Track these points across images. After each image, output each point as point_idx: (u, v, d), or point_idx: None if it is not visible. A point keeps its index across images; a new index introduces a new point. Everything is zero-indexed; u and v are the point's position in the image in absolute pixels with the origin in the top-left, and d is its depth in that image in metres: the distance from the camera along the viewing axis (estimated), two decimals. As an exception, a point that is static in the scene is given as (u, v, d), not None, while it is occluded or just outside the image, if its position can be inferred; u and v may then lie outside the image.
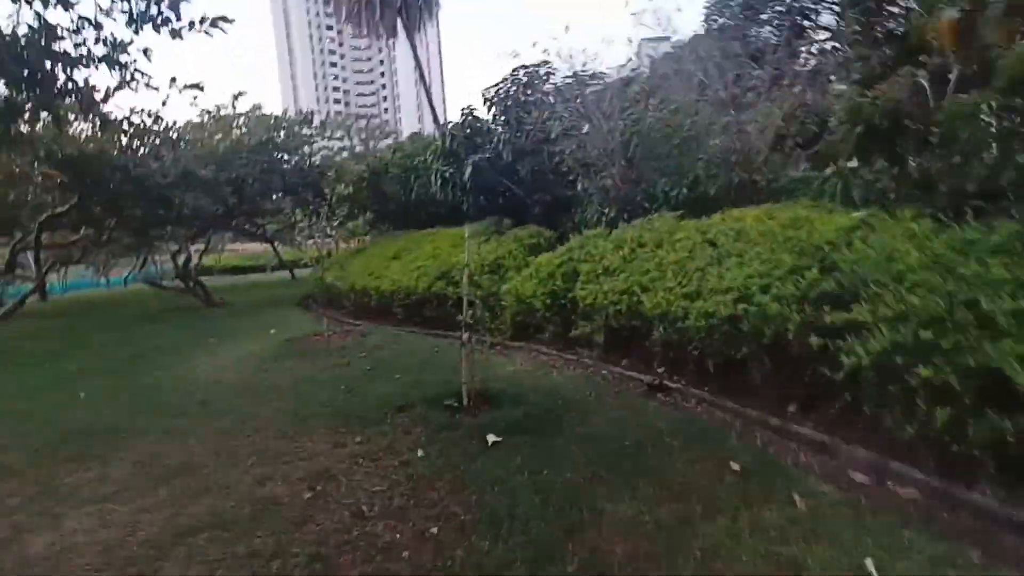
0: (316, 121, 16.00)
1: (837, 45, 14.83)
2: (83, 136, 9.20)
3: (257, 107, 13.88)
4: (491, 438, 4.28)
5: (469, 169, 10.20)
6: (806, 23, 17.58)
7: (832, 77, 11.66)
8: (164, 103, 9.94)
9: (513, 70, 10.64)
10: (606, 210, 8.70)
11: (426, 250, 11.21)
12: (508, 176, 10.61)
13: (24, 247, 13.39)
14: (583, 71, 10.55)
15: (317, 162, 15.67)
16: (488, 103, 10.88)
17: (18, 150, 8.06)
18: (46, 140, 8.45)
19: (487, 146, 10.65)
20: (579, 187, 9.57)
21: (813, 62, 14.11)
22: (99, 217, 12.62)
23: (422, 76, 25.01)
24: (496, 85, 10.83)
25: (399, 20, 24.96)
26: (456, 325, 6.41)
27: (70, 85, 4.64)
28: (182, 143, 11.98)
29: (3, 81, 4.37)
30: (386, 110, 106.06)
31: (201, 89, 6.21)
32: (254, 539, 3.12)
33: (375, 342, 8.53)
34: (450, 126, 11.97)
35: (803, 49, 15.38)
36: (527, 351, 7.45)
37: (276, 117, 14.76)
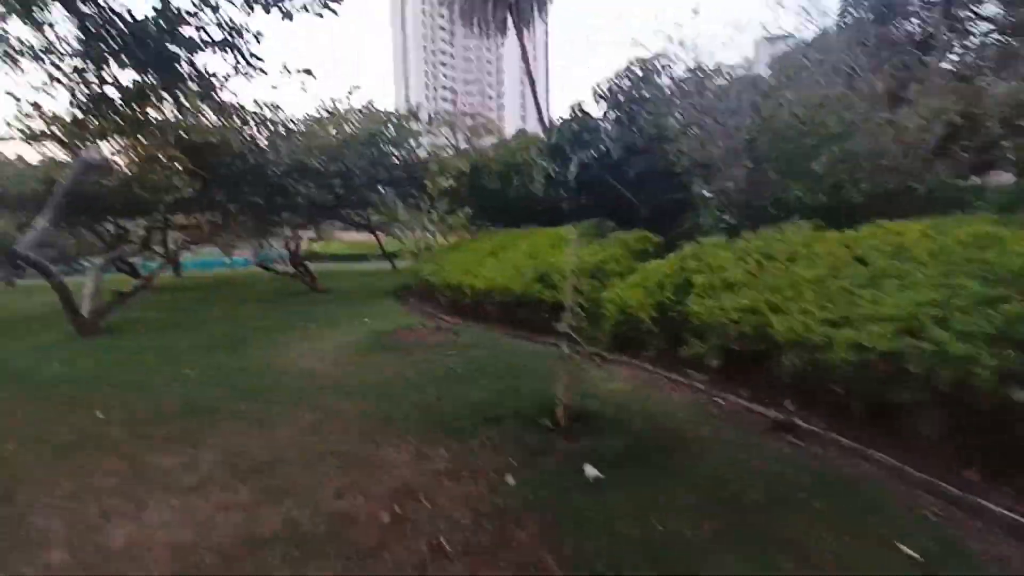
0: (423, 116, 16.18)
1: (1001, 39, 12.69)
2: (208, 124, 9.74)
3: (370, 103, 14.24)
4: (591, 472, 3.75)
5: (575, 167, 9.67)
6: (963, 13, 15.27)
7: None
8: (274, 87, 10.12)
9: (628, 64, 9.96)
10: (725, 216, 7.82)
11: (523, 249, 10.84)
12: (616, 175, 9.98)
13: (156, 227, 14.58)
14: (703, 66, 9.67)
15: (422, 156, 15.87)
16: (599, 98, 10.28)
17: (146, 134, 8.69)
18: (174, 125, 9.04)
19: (595, 144, 10.06)
20: (694, 190, 8.74)
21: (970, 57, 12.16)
22: (222, 202, 13.47)
23: (529, 74, 24.75)
24: (609, 80, 10.21)
25: (509, 17, 24.91)
26: (550, 330, 5.94)
27: (191, 69, 4.69)
28: (298, 135, 12.47)
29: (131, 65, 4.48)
30: (491, 109, 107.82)
31: (311, 75, 6.19)
32: (325, 562, 2.81)
33: (467, 341, 8.26)
34: (558, 122, 11.49)
35: (959, 42, 13.34)
36: (627, 366, 6.82)
37: (386, 112, 15.08)
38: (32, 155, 14.80)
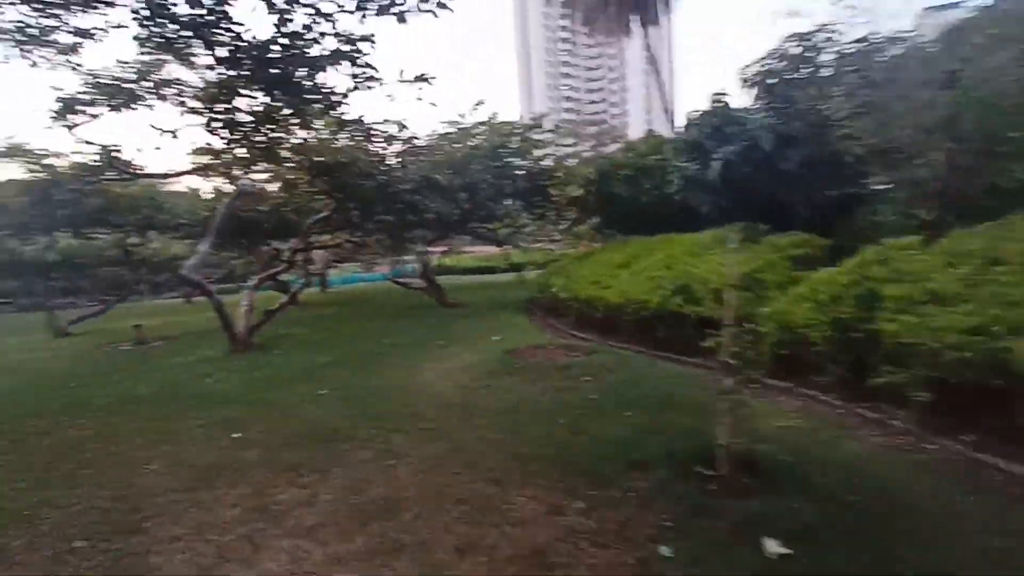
0: (548, 125, 15.74)
1: None
2: (338, 144, 10.16)
3: (494, 115, 14.14)
4: (772, 546, 2.90)
5: (718, 164, 8.56)
6: None
7: None
8: (390, 96, 10.14)
9: (781, 42, 8.64)
10: (917, 211, 6.36)
11: (658, 259, 9.91)
12: (767, 171, 8.70)
13: (300, 247, 15.67)
14: (873, 37, 8.11)
15: (548, 165, 15.49)
16: (747, 84, 9.04)
17: (279, 159, 9.26)
18: (306, 148, 9.53)
19: (740, 137, 8.86)
20: (871, 181, 7.29)
21: None
22: (355, 221, 14.12)
23: (657, 73, 23.52)
24: (758, 63, 8.93)
25: (633, 17, 23.90)
26: (695, 350, 5.07)
27: (313, 87, 4.61)
28: (424, 151, 12.67)
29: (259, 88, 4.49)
30: (615, 116, 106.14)
31: (427, 81, 5.96)
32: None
33: (602, 362, 7.56)
34: (696, 115, 10.36)
35: None
36: (794, 396, 5.72)
37: (511, 124, 14.90)
38: (203, 185, 16.67)
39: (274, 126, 6.24)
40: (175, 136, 8.35)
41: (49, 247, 17.08)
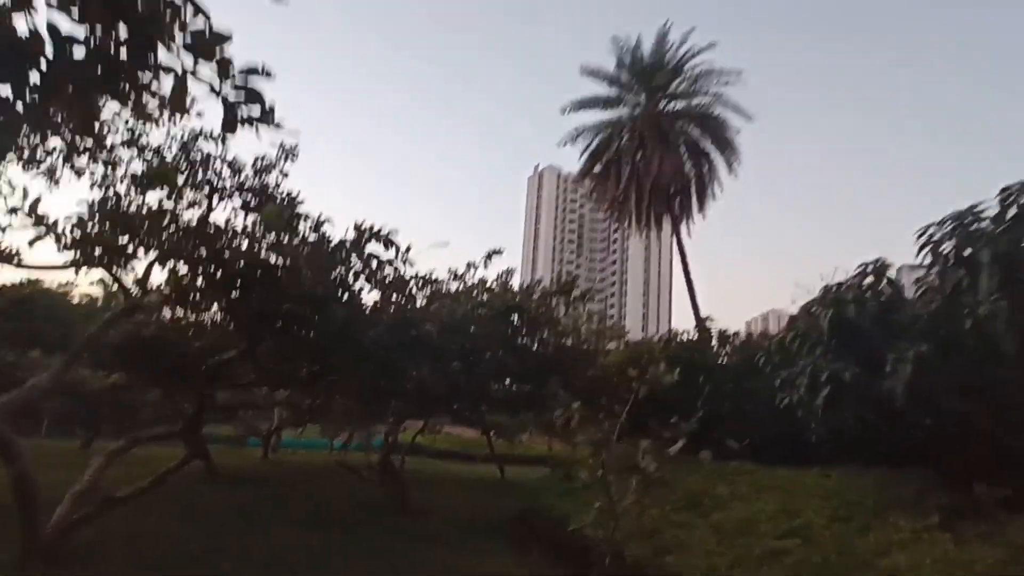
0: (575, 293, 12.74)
1: None
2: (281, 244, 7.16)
3: (509, 271, 11.34)
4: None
5: (906, 369, 5.19)
6: None
7: None
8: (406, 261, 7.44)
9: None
10: None
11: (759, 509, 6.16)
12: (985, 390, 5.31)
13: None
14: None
15: (567, 344, 12.25)
16: (927, 246, 5.94)
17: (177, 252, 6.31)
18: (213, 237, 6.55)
19: (926, 332, 5.63)
20: None
21: None
22: (303, 375, 10.65)
23: (686, 269, 21.79)
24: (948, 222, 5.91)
25: (664, 214, 23.05)
26: None
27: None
28: (413, 299, 9.54)
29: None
30: (611, 315, 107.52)
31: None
32: None
33: None
34: (840, 288, 7.13)
35: None
36: None
37: (526, 285, 12.11)
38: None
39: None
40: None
41: None
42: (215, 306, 7.48)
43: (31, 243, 6.61)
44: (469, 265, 10.89)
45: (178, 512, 9.76)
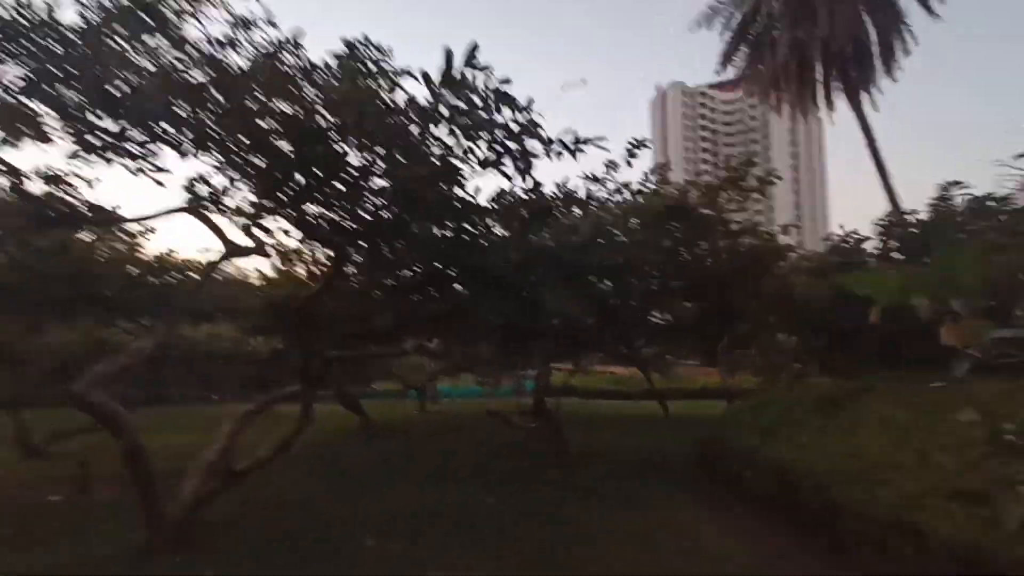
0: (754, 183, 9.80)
1: None
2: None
3: (664, 165, 8.83)
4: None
5: None
6: None
7: None
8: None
9: None
10: None
11: None
12: None
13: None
14: None
15: (743, 249, 9.60)
16: None
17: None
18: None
19: None
20: None
21: None
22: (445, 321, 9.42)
23: (874, 149, 17.35)
24: None
25: (837, 86, 18.45)
26: None
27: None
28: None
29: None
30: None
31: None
32: None
33: None
34: None
35: None
36: None
37: (689, 182, 9.53)
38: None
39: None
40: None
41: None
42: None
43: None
44: (609, 164, 8.70)
45: (326, 471, 9.24)
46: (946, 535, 3.64)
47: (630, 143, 8.59)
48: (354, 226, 6.07)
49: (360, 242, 6.56)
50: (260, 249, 6.73)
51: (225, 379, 27.04)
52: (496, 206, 6.27)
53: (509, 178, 5.88)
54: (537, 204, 5.98)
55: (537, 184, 6.07)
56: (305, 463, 9.57)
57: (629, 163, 8.61)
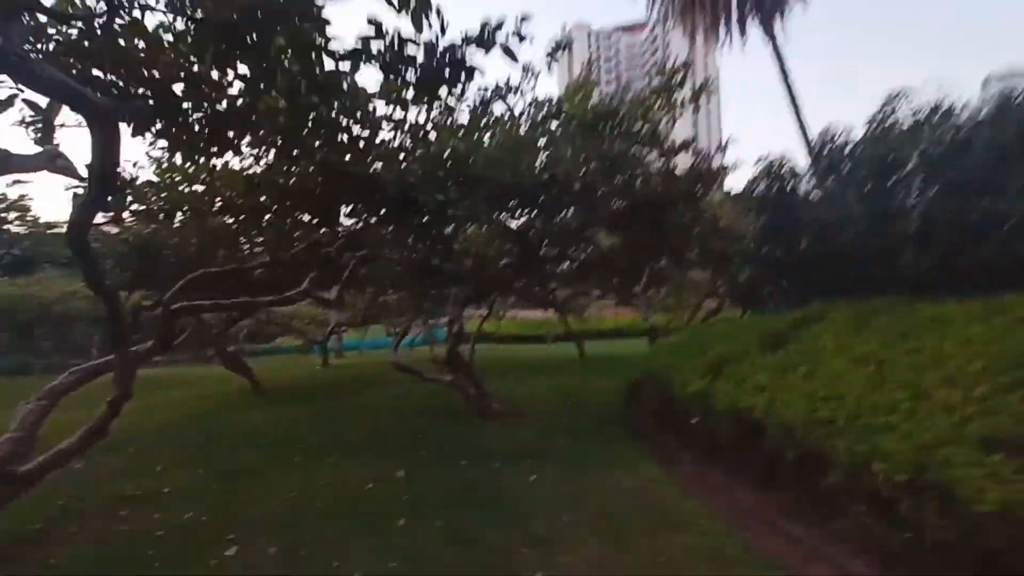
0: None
1: None
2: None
3: (590, 64, 7.27)
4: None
5: None
6: None
7: None
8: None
9: None
10: None
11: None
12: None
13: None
14: None
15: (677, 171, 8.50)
16: None
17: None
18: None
19: None
20: None
21: None
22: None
23: (787, 82, 17.07)
24: None
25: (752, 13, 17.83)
26: None
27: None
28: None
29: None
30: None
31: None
32: None
33: None
34: None
35: None
36: None
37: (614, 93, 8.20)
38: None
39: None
40: None
41: None
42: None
43: None
44: (526, 69, 7.22)
45: (193, 450, 7.53)
46: (997, 499, 2.81)
47: (551, 47, 7.23)
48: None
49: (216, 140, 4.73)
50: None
51: (93, 343, 23.63)
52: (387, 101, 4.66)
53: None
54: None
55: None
56: (170, 441, 7.82)
57: (549, 66, 7.25)
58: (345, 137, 4.65)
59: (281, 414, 10.28)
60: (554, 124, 7.27)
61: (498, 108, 7.12)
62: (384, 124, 4.94)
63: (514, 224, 9.67)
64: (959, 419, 3.42)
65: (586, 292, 21.78)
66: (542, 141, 7.03)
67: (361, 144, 4.79)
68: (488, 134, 6.34)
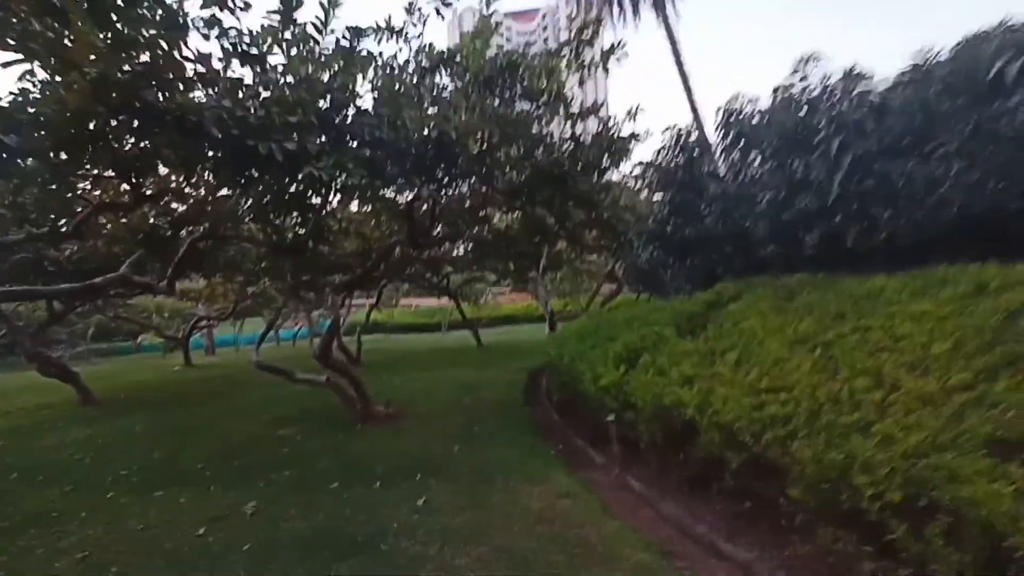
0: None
1: None
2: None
3: (488, 24, 6.19)
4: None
5: None
6: None
7: None
8: None
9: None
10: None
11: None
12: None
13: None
14: None
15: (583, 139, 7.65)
16: None
17: None
18: None
19: None
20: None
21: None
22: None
23: (679, 62, 17.10)
24: None
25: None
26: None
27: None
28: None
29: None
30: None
31: None
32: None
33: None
34: None
35: None
36: None
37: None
38: None
39: None
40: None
41: None
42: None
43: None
44: (410, 7, 5.94)
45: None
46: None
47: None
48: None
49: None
50: None
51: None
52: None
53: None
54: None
55: None
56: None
57: (440, 12, 6.08)
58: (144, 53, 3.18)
59: (109, 431, 8.27)
60: (446, 78, 6.12)
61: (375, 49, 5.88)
62: (203, 29, 3.53)
63: (401, 200, 8.37)
64: (949, 415, 2.77)
65: (481, 277, 20.86)
66: (430, 97, 5.85)
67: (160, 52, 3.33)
68: (361, 75, 5.04)
